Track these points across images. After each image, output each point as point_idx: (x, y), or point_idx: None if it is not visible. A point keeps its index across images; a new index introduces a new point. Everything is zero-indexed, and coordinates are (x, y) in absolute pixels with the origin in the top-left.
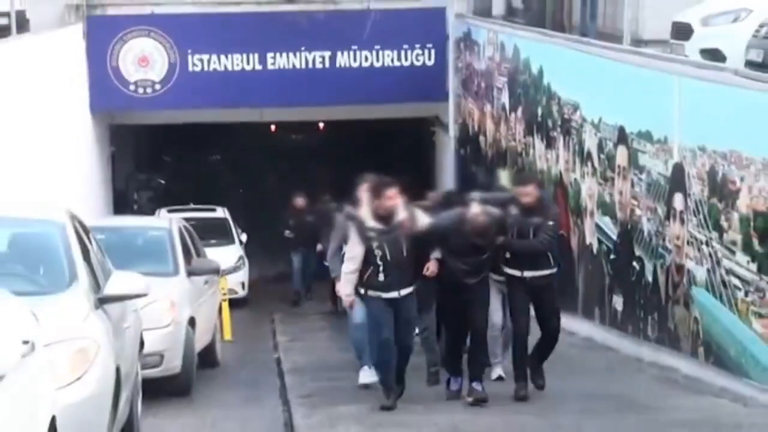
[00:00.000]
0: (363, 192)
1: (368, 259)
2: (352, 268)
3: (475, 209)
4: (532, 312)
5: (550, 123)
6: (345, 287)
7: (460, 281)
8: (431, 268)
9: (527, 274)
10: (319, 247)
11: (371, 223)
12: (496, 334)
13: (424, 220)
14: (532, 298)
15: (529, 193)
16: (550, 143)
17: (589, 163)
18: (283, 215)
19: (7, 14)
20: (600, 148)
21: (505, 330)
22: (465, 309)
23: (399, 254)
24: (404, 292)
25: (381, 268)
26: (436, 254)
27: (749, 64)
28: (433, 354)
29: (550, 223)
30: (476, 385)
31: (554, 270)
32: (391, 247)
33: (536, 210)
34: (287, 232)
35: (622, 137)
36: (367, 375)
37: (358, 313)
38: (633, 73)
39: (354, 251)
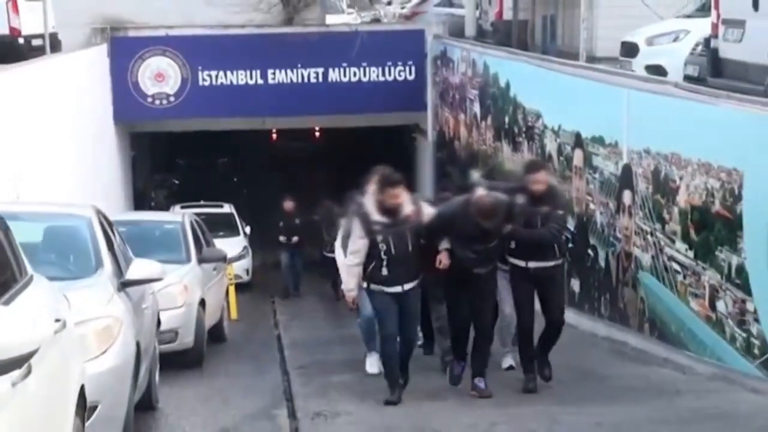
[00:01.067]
0: (371, 184)
1: (372, 252)
2: (355, 261)
3: (481, 192)
4: (537, 305)
5: (515, 129)
6: (348, 282)
7: (469, 271)
8: (444, 261)
9: (532, 264)
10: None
11: (376, 216)
12: (508, 323)
13: (429, 211)
14: (536, 289)
15: (540, 181)
16: (516, 147)
17: (550, 165)
18: (274, 218)
19: (42, 36)
20: (559, 151)
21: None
22: (472, 301)
23: (404, 248)
24: (408, 286)
25: (385, 263)
26: (444, 245)
27: (687, 78)
28: (447, 343)
29: (560, 212)
30: (479, 382)
31: (560, 261)
32: (396, 241)
33: (545, 199)
34: (282, 238)
35: (579, 142)
36: (375, 364)
37: (368, 305)
38: (588, 86)
39: (357, 244)
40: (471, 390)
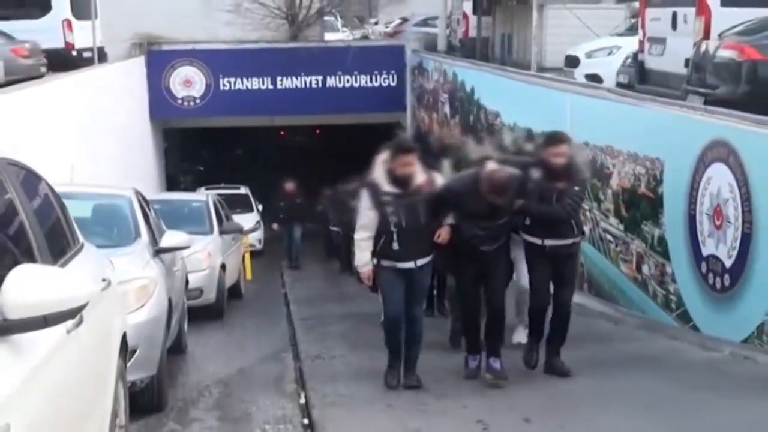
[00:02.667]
0: (380, 157)
1: (382, 226)
2: (365, 235)
3: (492, 165)
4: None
5: (479, 126)
6: (360, 257)
7: (476, 248)
8: (443, 235)
9: (548, 242)
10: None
11: (387, 187)
12: (523, 294)
13: (440, 183)
14: (553, 267)
15: (561, 154)
16: (479, 140)
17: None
18: (275, 199)
19: (91, 49)
20: (514, 143)
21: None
22: (481, 280)
23: (416, 221)
24: (421, 262)
25: (395, 236)
26: (448, 220)
27: (619, 84)
28: (457, 324)
29: (576, 188)
30: (494, 362)
31: (578, 239)
32: (408, 214)
33: (564, 174)
34: (275, 226)
35: (530, 136)
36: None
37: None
38: (538, 91)
39: (367, 217)
40: (486, 371)
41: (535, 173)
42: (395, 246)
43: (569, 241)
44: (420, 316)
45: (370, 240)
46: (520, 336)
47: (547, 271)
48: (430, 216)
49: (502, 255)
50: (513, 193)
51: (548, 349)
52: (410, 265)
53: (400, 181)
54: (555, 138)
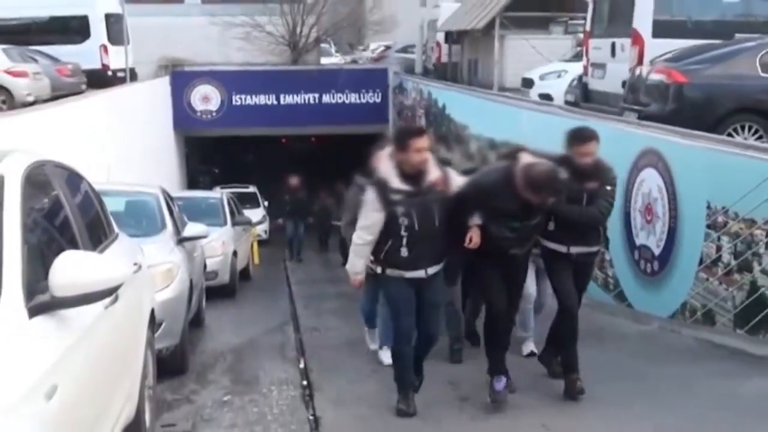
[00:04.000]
0: (384, 152)
1: (390, 229)
2: (367, 239)
3: (528, 158)
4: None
5: (450, 136)
6: (355, 263)
7: (505, 252)
8: (474, 239)
9: (574, 250)
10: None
11: (396, 183)
12: (530, 306)
13: (458, 180)
14: (573, 274)
15: (590, 153)
16: (449, 148)
17: (473, 160)
18: (281, 193)
19: (124, 70)
20: (479, 151)
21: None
22: (506, 287)
23: (430, 224)
24: (432, 270)
25: (405, 241)
26: (476, 220)
27: (566, 102)
28: (456, 330)
29: (608, 188)
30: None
31: (599, 247)
32: (421, 215)
33: (592, 173)
34: (280, 220)
35: (493, 145)
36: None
37: (370, 290)
38: (499, 107)
39: (371, 219)
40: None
41: (563, 172)
42: (404, 252)
43: (594, 249)
44: (437, 334)
45: (370, 246)
46: (530, 346)
47: (571, 276)
48: (447, 217)
49: (525, 261)
50: (552, 190)
51: (568, 366)
52: (420, 274)
53: (412, 176)
54: (581, 135)
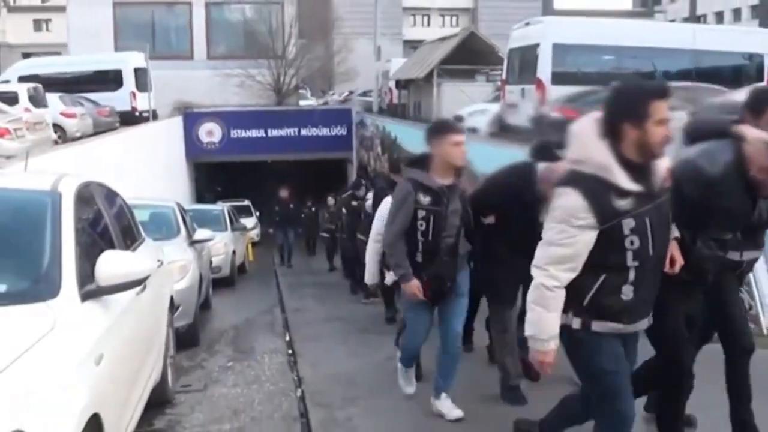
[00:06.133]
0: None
1: (606, 256)
2: (567, 277)
3: (754, 131)
4: None
5: (400, 161)
6: (549, 323)
7: (705, 278)
8: (679, 260)
9: (747, 256)
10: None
11: (623, 180)
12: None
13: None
14: None
15: None
16: (399, 171)
17: None
18: (272, 204)
19: (148, 111)
20: None
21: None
22: (712, 310)
23: (663, 246)
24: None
25: (632, 276)
26: (674, 232)
27: (490, 134)
28: (513, 359)
29: None
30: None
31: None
32: (657, 232)
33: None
34: (270, 230)
35: None
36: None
37: (424, 321)
38: None
39: (578, 242)
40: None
41: None
42: (627, 294)
43: (760, 253)
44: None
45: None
46: None
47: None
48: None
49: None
50: None
51: None
52: (642, 325)
53: (641, 167)
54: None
